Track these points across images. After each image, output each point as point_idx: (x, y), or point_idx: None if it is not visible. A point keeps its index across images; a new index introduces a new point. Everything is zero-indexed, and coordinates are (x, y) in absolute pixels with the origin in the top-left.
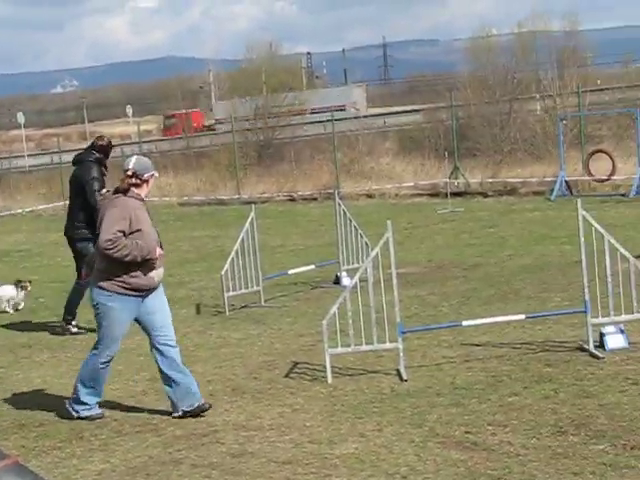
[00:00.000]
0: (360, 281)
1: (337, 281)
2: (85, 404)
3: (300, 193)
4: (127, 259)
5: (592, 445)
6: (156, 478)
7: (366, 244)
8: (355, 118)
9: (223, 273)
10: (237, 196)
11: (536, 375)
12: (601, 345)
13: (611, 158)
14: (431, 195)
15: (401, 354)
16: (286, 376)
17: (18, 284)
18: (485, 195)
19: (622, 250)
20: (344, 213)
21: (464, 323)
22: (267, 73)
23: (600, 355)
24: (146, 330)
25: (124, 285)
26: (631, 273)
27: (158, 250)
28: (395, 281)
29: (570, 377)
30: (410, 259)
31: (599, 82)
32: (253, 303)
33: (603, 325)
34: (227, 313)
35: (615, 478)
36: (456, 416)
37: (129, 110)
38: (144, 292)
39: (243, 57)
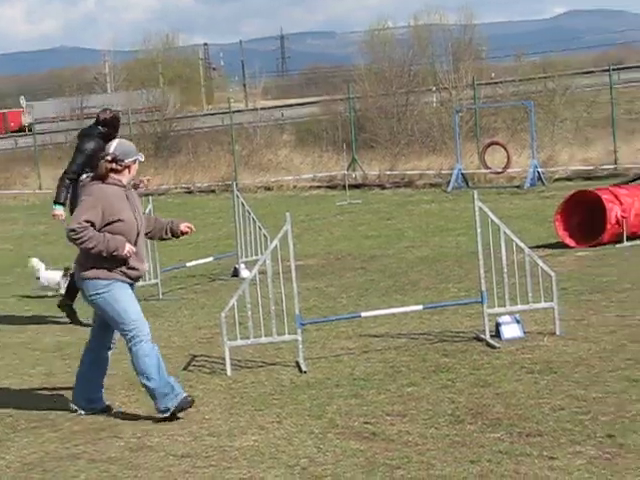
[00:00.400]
0: (259, 273)
1: (235, 273)
2: (167, 394)
3: (198, 185)
4: (92, 251)
5: (489, 433)
6: (52, 474)
7: (264, 236)
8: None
9: None
10: None
11: (434, 365)
12: (497, 335)
13: (506, 150)
14: (329, 187)
15: (300, 346)
16: (185, 369)
17: (67, 272)
18: (383, 187)
19: (517, 241)
20: (242, 205)
21: (363, 314)
22: (164, 64)
23: (496, 345)
24: (105, 323)
25: (121, 273)
26: (526, 264)
27: (128, 247)
28: (294, 273)
29: (467, 367)
30: (309, 251)
31: (493, 75)
32: (151, 296)
33: (499, 315)
34: None
35: (511, 465)
36: (355, 407)
37: (22, 101)
38: (134, 281)
39: (139, 48)
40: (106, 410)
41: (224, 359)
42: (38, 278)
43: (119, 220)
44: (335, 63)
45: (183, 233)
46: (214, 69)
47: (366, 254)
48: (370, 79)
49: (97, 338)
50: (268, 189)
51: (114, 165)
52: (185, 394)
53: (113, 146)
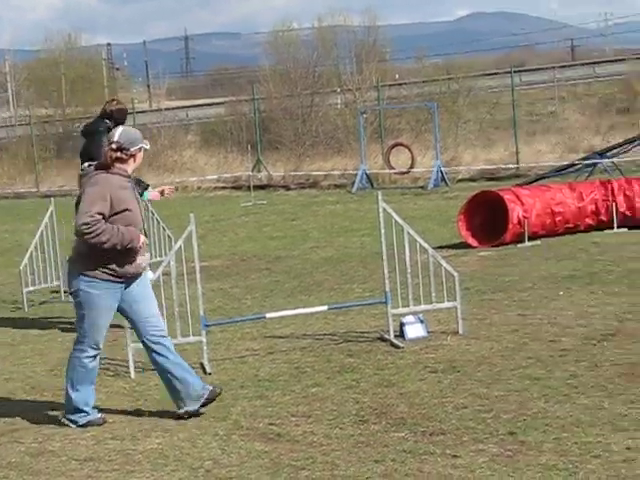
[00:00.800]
0: (163, 274)
1: None
2: (82, 411)
3: None
4: (106, 246)
5: (393, 433)
6: None
7: (169, 237)
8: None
9: (22, 268)
10: (35, 189)
11: (338, 365)
12: (401, 335)
13: (410, 151)
14: (234, 188)
15: (204, 347)
16: None
17: None
18: (288, 188)
19: (421, 241)
20: (146, 206)
21: (267, 315)
22: (66, 64)
23: (400, 344)
24: (132, 322)
25: (110, 272)
26: (430, 264)
27: (142, 238)
28: (198, 274)
29: (371, 367)
30: (213, 252)
31: (397, 77)
32: (54, 298)
33: (403, 315)
34: (26, 309)
35: (415, 464)
36: (260, 408)
37: None
38: (129, 279)
39: (41, 47)
40: (217, 393)
41: (128, 362)
42: None
43: (127, 210)
44: (240, 64)
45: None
46: (117, 69)
47: (271, 255)
48: (275, 80)
49: (142, 333)
50: None
51: (119, 154)
52: (98, 415)
53: (117, 134)
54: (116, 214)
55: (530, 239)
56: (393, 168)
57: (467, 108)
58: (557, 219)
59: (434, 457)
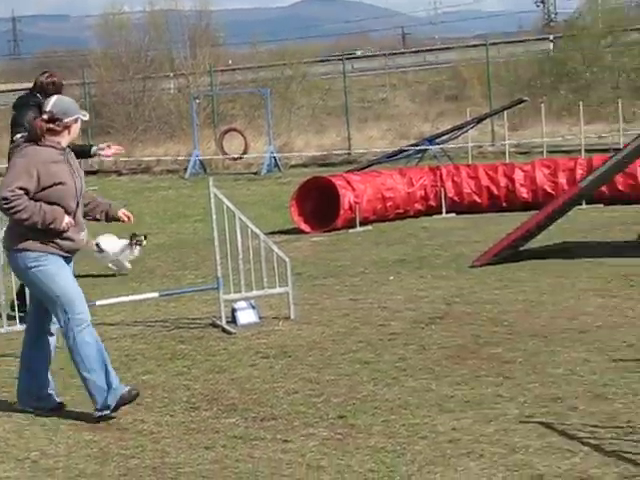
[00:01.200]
0: None
1: None
2: (106, 388)
3: None
4: (26, 223)
5: (224, 419)
6: None
7: None
8: None
9: None
10: None
11: (169, 352)
12: (233, 321)
13: (243, 137)
14: None
15: None
16: None
17: (133, 239)
18: (119, 173)
19: (252, 227)
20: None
21: (97, 303)
22: None
23: (232, 330)
24: (41, 303)
25: (54, 245)
26: (261, 249)
27: (67, 219)
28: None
29: (203, 353)
30: None
31: (230, 62)
32: None
33: (235, 301)
34: None
35: (245, 450)
36: (87, 397)
37: None
38: (71, 254)
39: None
40: (58, 409)
41: None
42: (100, 251)
43: (60, 183)
44: (70, 47)
45: (117, 220)
46: None
47: None
48: (106, 64)
49: (35, 321)
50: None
51: (51, 125)
52: (127, 388)
53: (51, 103)
54: (45, 189)
55: (361, 224)
56: (226, 154)
57: (300, 94)
58: (388, 204)
59: (265, 442)
